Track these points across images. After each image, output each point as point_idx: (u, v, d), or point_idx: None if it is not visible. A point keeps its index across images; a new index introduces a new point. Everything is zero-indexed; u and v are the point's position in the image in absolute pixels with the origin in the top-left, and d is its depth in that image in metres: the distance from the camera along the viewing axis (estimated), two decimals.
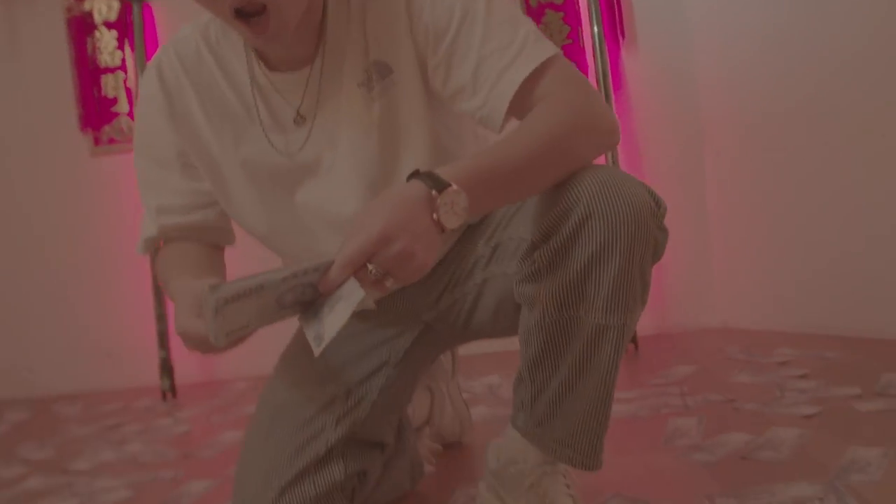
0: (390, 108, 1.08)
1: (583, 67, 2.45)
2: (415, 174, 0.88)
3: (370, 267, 0.83)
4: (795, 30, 2.23)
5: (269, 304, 0.84)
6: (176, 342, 2.50)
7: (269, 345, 2.21)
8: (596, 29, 2.40)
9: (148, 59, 2.49)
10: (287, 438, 1.18)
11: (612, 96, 2.42)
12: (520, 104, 1.00)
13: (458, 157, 1.11)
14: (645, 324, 2.43)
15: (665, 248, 1.03)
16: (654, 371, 2.01)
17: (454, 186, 0.85)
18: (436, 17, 1.03)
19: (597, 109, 0.99)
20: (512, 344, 1.12)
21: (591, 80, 2.42)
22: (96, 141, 2.58)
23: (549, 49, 1.01)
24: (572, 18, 2.46)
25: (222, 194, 1.16)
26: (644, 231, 0.96)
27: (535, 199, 1.03)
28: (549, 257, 0.98)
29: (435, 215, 0.85)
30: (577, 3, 2.46)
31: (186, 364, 2.54)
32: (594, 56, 2.42)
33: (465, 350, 1.58)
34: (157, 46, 2.54)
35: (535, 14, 2.45)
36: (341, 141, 1.10)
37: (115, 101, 2.56)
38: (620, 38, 2.48)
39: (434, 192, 0.85)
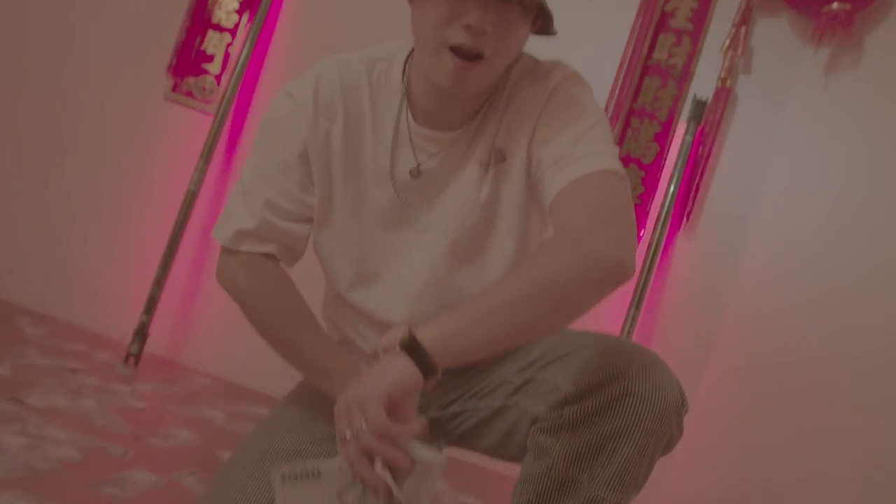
0: (497, 192, 1.18)
1: (639, 230, 2.52)
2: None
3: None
4: (845, 293, 2.32)
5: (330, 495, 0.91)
6: (161, 311, 2.50)
7: (237, 350, 2.25)
8: (667, 203, 2.48)
9: (262, 35, 2.51)
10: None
11: (655, 267, 2.49)
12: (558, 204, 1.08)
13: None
14: None
15: (675, 447, 1.07)
16: None
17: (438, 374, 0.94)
18: (556, 120, 1.14)
19: (605, 251, 1.00)
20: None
21: (643, 247, 2.50)
22: (175, 87, 2.58)
23: (611, 163, 1.09)
24: (651, 183, 2.54)
25: (323, 219, 1.21)
26: (666, 425, 1.02)
27: (579, 352, 1.08)
28: (576, 417, 1.03)
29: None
30: (661, 172, 2.53)
31: (160, 336, 2.53)
32: (655, 224, 2.50)
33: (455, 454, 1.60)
34: (273, 27, 2.57)
35: (622, 163, 2.52)
36: (446, 208, 1.19)
37: (210, 59, 2.57)
38: (685, 219, 2.56)
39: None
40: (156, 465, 1.69)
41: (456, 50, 1.06)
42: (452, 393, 1.29)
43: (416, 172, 1.19)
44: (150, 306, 2.46)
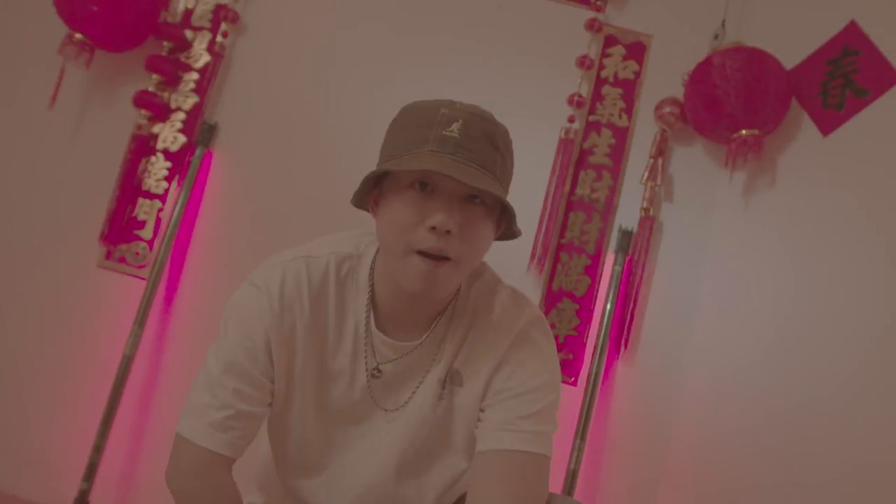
0: (451, 412, 1.23)
1: (578, 362, 2.54)
2: None
3: None
4: (790, 411, 2.34)
5: None
6: (101, 478, 2.44)
7: None
8: (603, 333, 2.51)
9: (191, 199, 2.57)
10: None
11: (596, 398, 2.50)
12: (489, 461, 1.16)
13: None
14: None
15: None
16: None
17: None
18: (518, 380, 1.21)
19: None
20: None
21: (582, 378, 2.51)
22: (108, 255, 2.60)
23: (547, 449, 1.18)
24: (585, 315, 2.57)
25: (281, 406, 1.24)
26: None
27: None
28: None
29: None
30: (594, 303, 2.58)
31: (101, 502, 2.47)
32: (593, 355, 2.52)
33: None
34: (202, 191, 2.62)
35: (553, 298, 2.57)
36: (400, 416, 1.23)
37: (142, 225, 2.61)
38: (623, 348, 2.58)
39: None
40: None
41: (423, 253, 1.09)
42: None
43: (377, 373, 1.22)
44: (90, 473, 2.42)
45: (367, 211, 1.21)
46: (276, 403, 1.24)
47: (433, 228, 1.08)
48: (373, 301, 1.21)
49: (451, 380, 1.22)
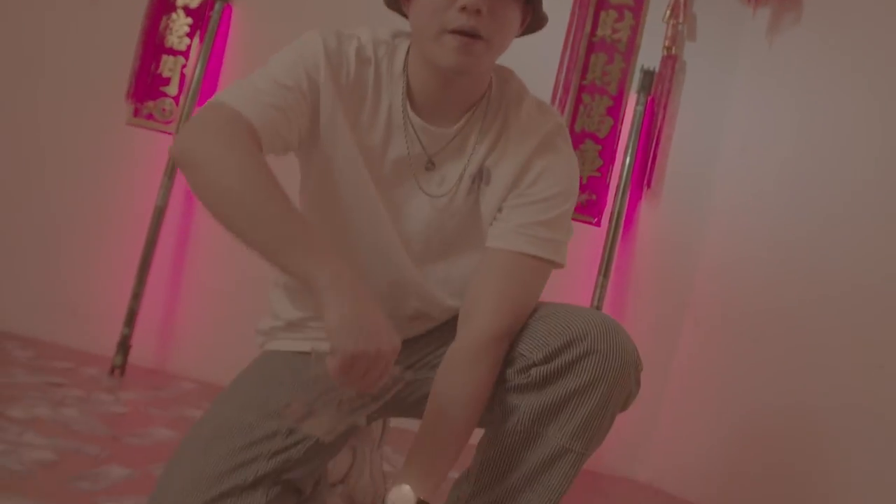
0: (477, 206, 1.27)
1: (602, 202, 2.57)
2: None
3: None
4: (808, 240, 2.35)
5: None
6: (141, 322, 2.55)
7: (221, 353, 2.30)
8: (625, 173, 2.53)
9: (213, 54, 2.60)
10: (221, 457, 1.21)
11: (619, 236, 2.53)
12: (493, 257, 1.22)
13: None
14: None
15: (632, 403, 1.18)
16: None
17: None
18: (540, 186, 1.25)
19: (503, 356, 1.18)
20: None
21: (606, 217, 2.54)
22: (136, 112, 2.65)
23: (561, 256, 1.24)
24: (608, 155, 2.58)
25: (325, 164, 1.24)
26: (626, 380, 1.11)
27: (539, 321, 1.18)
28: (543, 376, 1.12)
29: None
30: (617, 144, 2.58)
31: (144, 347, 2.59)
32: (615, 194, 2.54)
33: (400, 422, 1.61)
34: (224, 45, 2.64)
35: (576, 140, 2.57)
36: (440, 201, 1.26)
37: (167, 81, 2.65)
38: (646, 187, 2.59)
39: None
40: (132, 460, 1.71)
41: (456, 32, 1.13)
42: (402, 361, 1.33)
43: (431, 165, 1.25)
44: (130, 318, 2.53)
45: (400, 13, 1.25)
46: (317, 160, 1.25)
47: (463, 9, 1.12)
48: (407, 91, 1.24)
49: (481, 177, 1.26)
